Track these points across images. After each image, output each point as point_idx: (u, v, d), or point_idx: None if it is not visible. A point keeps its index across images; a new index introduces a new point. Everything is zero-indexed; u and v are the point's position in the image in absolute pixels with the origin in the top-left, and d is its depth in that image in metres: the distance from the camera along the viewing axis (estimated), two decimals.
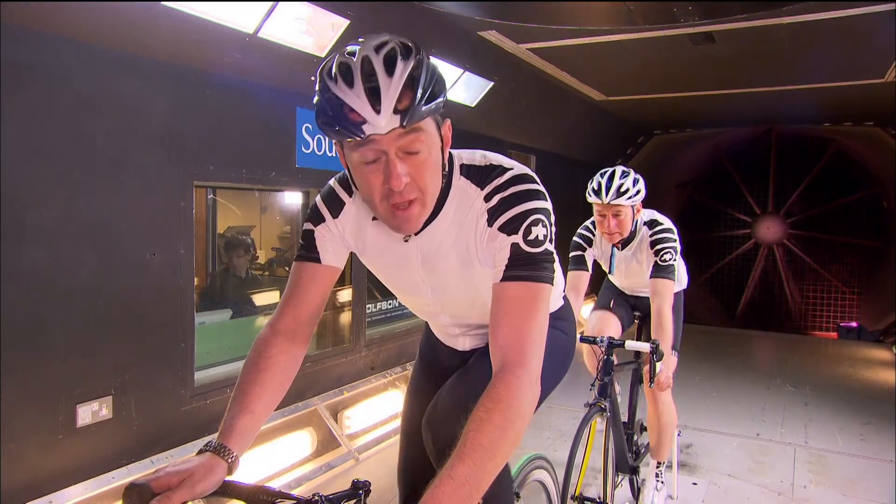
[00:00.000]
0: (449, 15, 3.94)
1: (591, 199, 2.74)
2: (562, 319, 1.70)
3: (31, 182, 2.40)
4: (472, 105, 5.22)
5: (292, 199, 4.88)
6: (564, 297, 1.79)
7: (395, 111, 1.06)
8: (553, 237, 1.21)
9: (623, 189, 2.66)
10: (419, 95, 1.08)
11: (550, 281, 1.19)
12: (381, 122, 1.06)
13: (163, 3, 2.60)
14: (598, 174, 2.74)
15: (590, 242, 2.97)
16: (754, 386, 5.47)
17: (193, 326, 3.07)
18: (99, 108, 2.62)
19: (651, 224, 2.86)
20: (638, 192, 2.70)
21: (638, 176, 2.73)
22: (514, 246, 1.18)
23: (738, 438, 4.20)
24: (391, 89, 1.06)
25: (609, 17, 3.96)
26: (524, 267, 1.17)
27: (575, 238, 2.99)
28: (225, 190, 4.67)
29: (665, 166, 10.30)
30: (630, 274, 3.01)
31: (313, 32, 3.40)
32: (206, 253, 4.78)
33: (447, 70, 4.46)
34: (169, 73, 2.89)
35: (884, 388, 5.63)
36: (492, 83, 5.13)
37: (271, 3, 2.97)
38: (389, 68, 1.07)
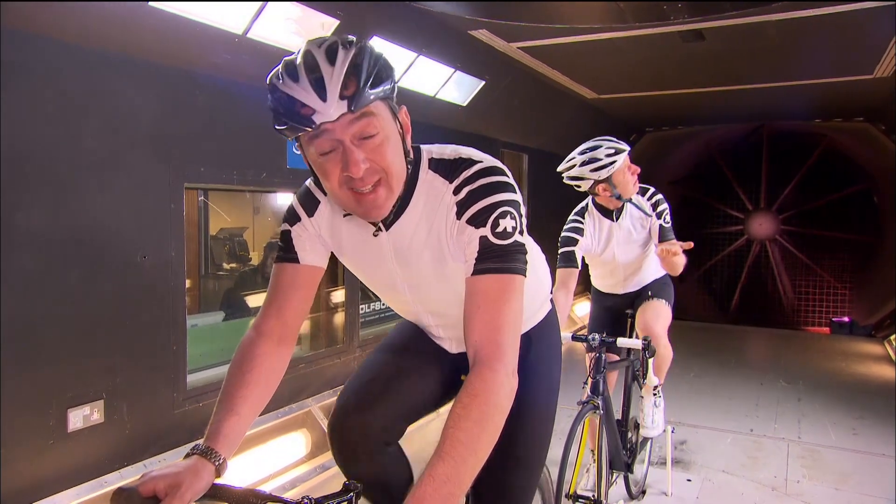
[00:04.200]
0: (439, 14, 3.93)
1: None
2: (546, 338, 1.64)
3: (20, 184, 2.38)
4: (464, 104, 5.21)
5: (284, 200, 4.87)
6: (551, 301, 1.73)
7: (342, 97, 1.08)
8: (523, 228, 1.21)
9: (599, 166, 2.70)
10: (363, 80, 1.09)
11: (523, 272, 1.18)
12: (330, 110, 1.08)
13: (151, 3, 2.58)
14: (575, 163, 2.78)
15: (581, 232, 2.87)
16: (747, 382, 5.49)
17: (185, 329, 3.05)
18: (88, 109, 2.60)
19: (643, 191, 2.92)
20: (612, 162, 2.70)
21: (610, 144, 2.74)
22: (483, 239, 1.17)
23: (731, 434, 4.21)
24: (334, 76, 1.08)
25: (600, 15, 3.96)
26: (494, 259, 1.16)
27: (563, 233, 2.89)
28: (217, 191, 4.66)
29: (657, 164, 10.33)
30: (628, 250, 2.97)
31: (303, 32, 3.39)
32: (198, 255, 4.77)
33: (438, 69, 4.47)
34: (158, 75, 2.87)
35: (876, 382, 5.67)
36: (483, 82, 5.12)
37: (260, 3, 2.96)
38: (331, 58, 1.10)
